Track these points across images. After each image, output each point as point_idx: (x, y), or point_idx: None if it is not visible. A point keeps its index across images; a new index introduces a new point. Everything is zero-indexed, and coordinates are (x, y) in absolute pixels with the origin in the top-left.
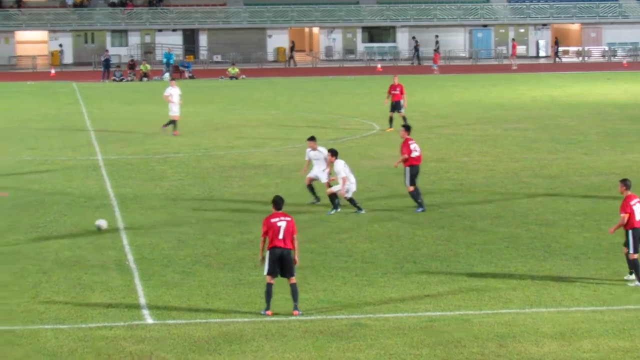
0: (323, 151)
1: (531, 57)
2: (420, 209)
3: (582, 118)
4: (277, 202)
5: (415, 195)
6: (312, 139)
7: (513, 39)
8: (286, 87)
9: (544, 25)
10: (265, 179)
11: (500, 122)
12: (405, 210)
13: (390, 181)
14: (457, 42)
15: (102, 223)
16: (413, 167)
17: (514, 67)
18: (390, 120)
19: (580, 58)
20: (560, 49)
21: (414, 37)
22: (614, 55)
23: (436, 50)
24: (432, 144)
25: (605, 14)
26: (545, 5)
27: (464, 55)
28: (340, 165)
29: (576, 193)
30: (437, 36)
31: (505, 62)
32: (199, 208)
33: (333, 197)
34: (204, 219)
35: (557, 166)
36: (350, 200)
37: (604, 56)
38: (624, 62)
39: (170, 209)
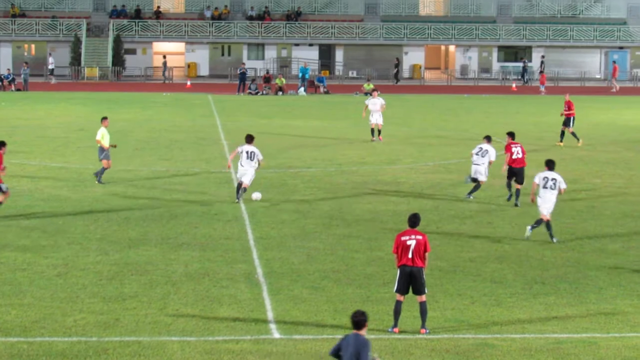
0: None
1: None
2: (509, 197)
3: None
4: (411, 220)
5: (508, 185)
6: (487, 137)
7: (614, 61)
8: (421, 104)
9: None
10: (396, 196)
11: (634, 144)
12: (535, 230)
13: (523, 201)
14: (592, 63)
15: (257, 196)
16: (510, 167)
17: (614, 90)
18: (562, 134)
19: None
20: None
21: (522, 58)
22: None
23: (542, 72)
24: (564, 165)
25: None
26: None
27: (599, 77)
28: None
29: None
30: (542, 56)
31: None
32: (329, 223)
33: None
34: (334, 235)
35: None
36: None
37: None
38: None
39: (300, 223)
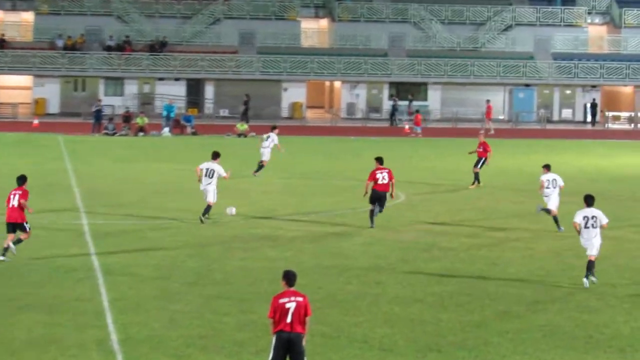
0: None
1: (578, 122)
2: (371, 225)
3: (633, 193)
4: (289, 278)
5: (371, 213)
6: (546, 166)
7: (487, 100)
8: (302, 148)
9: (593, 86)
10: (273, 251)
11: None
12: (430, 291)
13: (415, 257)
14: (495, 102)
15: (231, 211)
16: (374, 191)
17: (482, 132)
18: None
19: (632, 125)
20: (610, 114)
21: (392, 95)
22: None
23: (417, 111)
24: (463, 217)
25: None
26: (595, 65)
27: (502, 117)
28: None
29: (624, 277)
30: (411, 95)
31: (550, 126)
32: (195, 282)
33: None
34: (201, 296)
35: (603, 246)
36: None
37: None
38: None
39: (163, 282)
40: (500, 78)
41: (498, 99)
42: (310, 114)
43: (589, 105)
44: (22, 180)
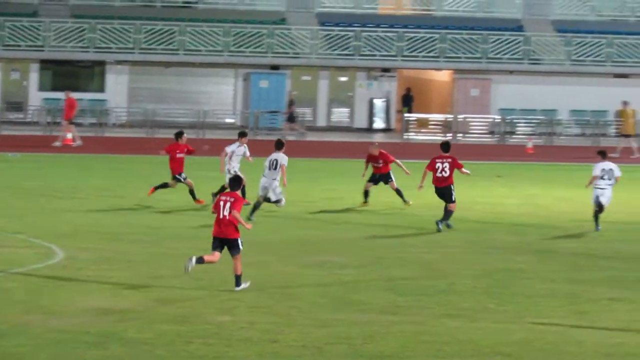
0: None
1: (358, 131)
2: None
3: (453, 256)
4: None
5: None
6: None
7: (67, 92)
8: None
9: (386, 70)
10: None
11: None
12: None
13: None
14: (219, 96)
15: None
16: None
17: (58, 144)
18: (366, 193)
19: (450, 135)
20: (410, 117)
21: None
22: (512, 132)
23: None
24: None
25: (499, 56)
26: (390, 35)
27: (232, 121)
28: None
29: None
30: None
31: (312, 137)
32: None
33: None
34: None
35: None
36: None
37: (492, 133)
38: (529, 144)
39: None
40: (230, 55)
41: (226, 91)
42: None
43: (378, 102)
44: (238, 182)
